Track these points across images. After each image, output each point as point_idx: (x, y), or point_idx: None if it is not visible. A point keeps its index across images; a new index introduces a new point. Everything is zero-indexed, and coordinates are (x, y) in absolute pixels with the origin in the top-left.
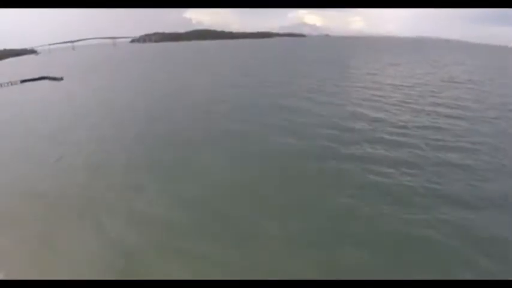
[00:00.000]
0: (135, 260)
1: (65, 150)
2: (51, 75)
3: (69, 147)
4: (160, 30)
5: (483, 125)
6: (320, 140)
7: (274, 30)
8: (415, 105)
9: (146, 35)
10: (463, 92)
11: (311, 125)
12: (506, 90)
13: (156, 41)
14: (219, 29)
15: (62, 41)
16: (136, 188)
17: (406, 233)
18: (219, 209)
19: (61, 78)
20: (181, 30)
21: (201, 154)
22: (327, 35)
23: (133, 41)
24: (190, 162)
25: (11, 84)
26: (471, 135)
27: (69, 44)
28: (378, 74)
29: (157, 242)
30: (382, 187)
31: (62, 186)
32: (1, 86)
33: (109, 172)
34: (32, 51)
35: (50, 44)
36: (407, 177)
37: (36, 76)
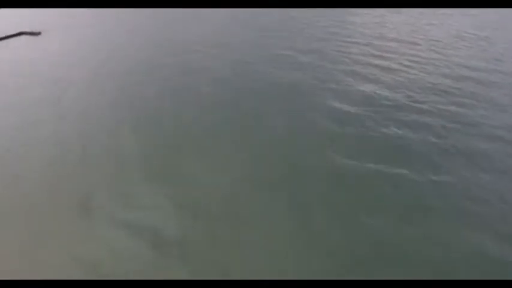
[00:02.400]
0: None
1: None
2: (27, 30)
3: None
4: None
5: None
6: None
7: None
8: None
9: None
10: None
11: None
12: None
13: None
14: None
15: None
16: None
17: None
18: None
19: (39, 33)
20: None
21: None
22: None
23: None
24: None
25: None
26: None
27: None
28: (379, 25)
29: None
30: None
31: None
32: None
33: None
34: None
35: None
36: None
37: (13, 32)
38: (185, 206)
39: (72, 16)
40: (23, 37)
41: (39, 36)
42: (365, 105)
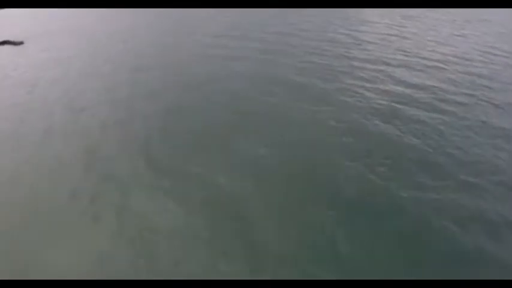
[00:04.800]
0: None
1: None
2: (11, 39)
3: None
4: None
5: None
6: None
7: None
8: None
9: None
10: None
11: None
12: None
13: None
14: None
15: None
16: None
17: None
18: None
19: (21, 43)
20: None
21: None
22: None
23: None
24: None
25: None
26: None
27: None
28: (393, 36)
29: None
30: None
31: None
32: None
33: None
34: None
35: None
36: None
37: None
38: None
39: (60, 20)
40: (6, 47)
41: (21, 45)
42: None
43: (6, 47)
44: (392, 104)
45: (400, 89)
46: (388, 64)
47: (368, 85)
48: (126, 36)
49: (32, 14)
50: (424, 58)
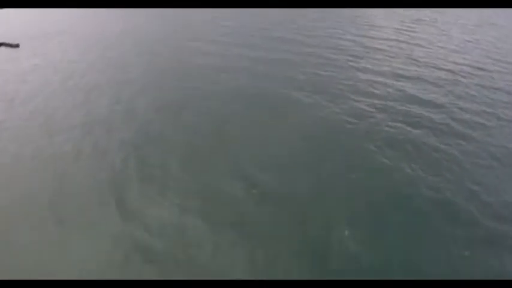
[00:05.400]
0: None
1: None
2: (6, 41)
3: None
4: None
5: None
6: None
7: None
8: None
9: None
10: None
11: None
12: None
13: None
14: None
15: None
16: None
17: None
18: None
19: (17, 45)
20: None
21: None
22: None
23: None
24: None
25: None
26: None
27: None
28: (403, 42)
29: None
30: None
31: None
32: None
33: None
34: None
35: None
36: None
37: None
38: None
39: (58, 21)
40: (1, 49)
41: (17, 48)
42: None
43: (1, 49)
44: (405, 127)
45: (413, 108)
46: (399, 76)
47: (378, 103)
48: (115, 42)
49: (30, 14)
50: (437, 68)
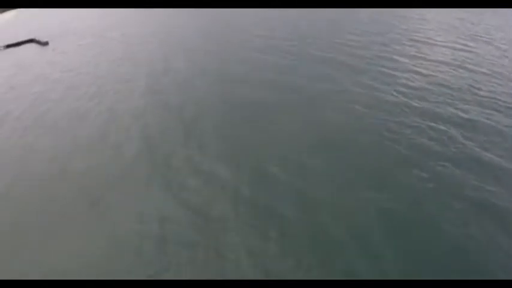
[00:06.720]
0: None
1: None
2: (37, 38)
3: None
4: None
5: None
6: None
7: None
8: None
9: None
10: None
11: None
12: None
13: None
14: None
15: None
16: None
17: None
18: None
19: (46, 43)
20: None
21: None
22: None
23: None
24: None
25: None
26: None
27: None
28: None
29: None
30: None
31: None
32: None
33: None
34: None
35: None
36: None
37: (23, 39)
38: None
39: (87, 19)
40: (32, 45)
41: (46, 46)
42: None
43: (32, 45)
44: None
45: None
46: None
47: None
48: (137, 43)
49: (63, 14)
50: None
